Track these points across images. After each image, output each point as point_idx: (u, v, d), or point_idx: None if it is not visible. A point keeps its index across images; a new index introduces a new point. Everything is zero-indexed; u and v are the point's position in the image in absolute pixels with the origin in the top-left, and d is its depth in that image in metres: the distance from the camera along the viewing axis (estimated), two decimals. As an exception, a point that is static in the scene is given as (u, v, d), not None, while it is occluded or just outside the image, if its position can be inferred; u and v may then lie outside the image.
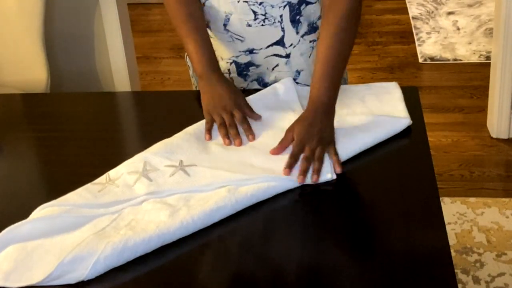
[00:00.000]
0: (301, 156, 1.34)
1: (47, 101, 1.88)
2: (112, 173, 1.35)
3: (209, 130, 1.46)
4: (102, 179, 1.34)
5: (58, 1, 2.97)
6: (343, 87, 1.64)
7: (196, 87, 1.81)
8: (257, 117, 1.49)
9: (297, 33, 1.63)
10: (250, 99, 1.56)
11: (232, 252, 1.19)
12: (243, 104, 1.51)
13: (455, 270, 2.22)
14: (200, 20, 1.60)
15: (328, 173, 1.32)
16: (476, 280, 2.31)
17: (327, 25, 1.48)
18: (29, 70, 2.67)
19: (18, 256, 1.16)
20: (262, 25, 1.60)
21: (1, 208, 1.34)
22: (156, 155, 1.38)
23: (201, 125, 1.49)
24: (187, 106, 1.74)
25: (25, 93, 2.20)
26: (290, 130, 1.40)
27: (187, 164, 1.35)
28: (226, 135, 1.44)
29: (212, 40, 1.66)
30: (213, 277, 1.13)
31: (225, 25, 1.62)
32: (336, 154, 1.36)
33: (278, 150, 1.38)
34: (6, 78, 2.71)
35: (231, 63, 1.68)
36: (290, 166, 1.32)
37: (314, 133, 1.37)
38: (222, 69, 1.69)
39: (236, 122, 1.46)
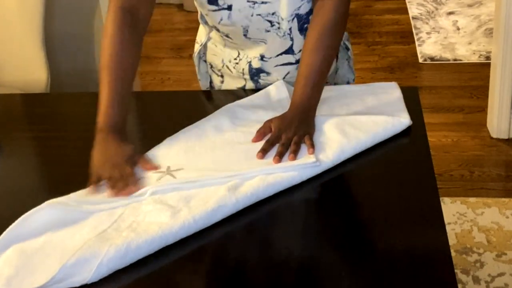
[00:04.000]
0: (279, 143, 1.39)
1: (47, 101, 1.88)
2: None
3: (92, 189, 1.31)
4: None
5: (58, 1, 2.97)
6: (343, 87, 1.64)
7: (207, 87, 1.82)
8: (152, 167, 1.36)
9: (305, 37, 1.63)
10: (243, 101, 1.57)
11: (233, 251, 1.19)
12: (134, 160, 1.36)
13: (455, 270, 2.22)
14: (125, 65, 1.47)
15: (312, 157, 1.33)
16: (476, 280, 2.31)
17: (313, 29, 1.52)
18: (29, 70, 2.67)
19: (19, 261, 1.15)
20: (277, 34, 1.61)
21: (1, 208, 1.34)
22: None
23: (187, 130, 1.49)
24: (187, 106, 1.74)
25: (25, 93, 2.20)
26: (269, 121, 1.44)
27: (174, 169, 1.36)
28: (113, 188, 1.30)
29: (235, 44, 1.67)
30: (215, 277, 1.13)
31: (245, 35, 1.62)
32: (311, 139, 1.39)
33: (256, 138, 1.42)
34: (6, 78, 2.71)
35: (247, 63, 1.69)
36: (264, 151, 1.37)
37: (292, 125, 1.41)
38: (239, 68, 1.70)
39: (125, 176, 1.31)
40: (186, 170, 1.35)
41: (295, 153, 1.36)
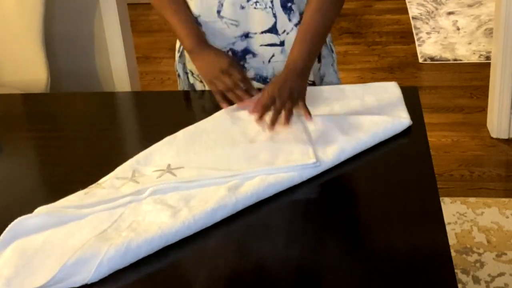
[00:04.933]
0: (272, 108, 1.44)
1: (47, 101, 1.88)
2: (101, 180, 1.35)
3: (222, 99, 1.54)
4: (91, 186, 1.34)
5: (58, 1, 2.97)
6: (342, 87, 1.64)
7: (183, 88, 1.82)
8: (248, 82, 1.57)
9: (290, 20, 1.64)
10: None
11: (233, 252, 1.19)
12: (237, 64, 1.60)
13: (455, 270, 2.22)
14: (182, 2, 1.66)
15: (312, 158, 1.34)
16: (476, 280, 2.31)
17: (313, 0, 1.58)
18: (29, 70, 2.67)
19: (19, 261, 1.15)
20: (255, 8, 1.62)
21: (1, 208, 1.34)
22: (145, 164, 1.38)
23: (187, 129, 1.49)
24: (187, 106, 1.74)
25: (25, 93, 2.20)
26: (264, 89, 1.49)
27: (174, 167, 1.36)
28: (238, 98, 1.53)
29: (205, 31, 1.67)
30: (215, 277, 1.13)
31: (218, 12, 1.63)
32: (305, 106, 1.45)
33: (253, 108, 1.45)
34: (6, 78, 2.71)
35: (228, 51, 1.68)
36: (258, 114, 1.42)
37: (285, 89, 1.45)
38: None
39: (238, 82, 1.54)
40: (186, 168, 1.35)
41: (288, 119, 1.41)
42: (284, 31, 1.65)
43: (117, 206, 1.26)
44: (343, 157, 1.37)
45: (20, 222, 1.21)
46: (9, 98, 1.91)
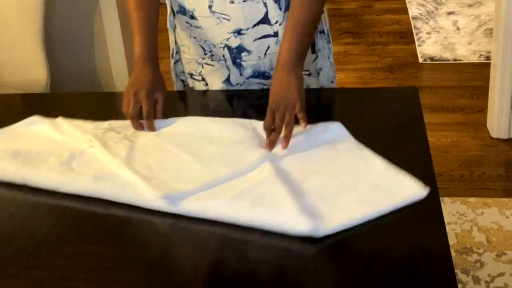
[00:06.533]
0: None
1: (47, 101, 1.88)
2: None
3: (132, 117, 1.53)
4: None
5: (58, 1, 2.97)
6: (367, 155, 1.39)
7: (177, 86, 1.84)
8: (152, 117, 1.54)
9: (280, 9, 1.63)
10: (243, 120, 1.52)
11: (232, 252, 1.19)
12: (158, 95, 1.59)
13: (455, 270, 2.22)
14: (150, 10, 1.69)
15: (301, 224, 1.16)
16: (476, 280, 2.31)
17: None
18: (29, 70, 2.68)
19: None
20: (244, 0, 1.60)
21: (1, 208, 1.34)
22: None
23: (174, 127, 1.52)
24: (186, 106, 1.74)
25: (25, 93, 2.20)
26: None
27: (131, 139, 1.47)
28: (132, 116, 1.54)
29: (200, 30, 1.67)
30: (212, 279, 1.13)
31: (210, 6, 1.62)
32: (302, 111, 1.42)
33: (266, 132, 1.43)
34: (6, 78, 2.71)
35: (223, 48, 1.68)
36: (268, 139, 1.40)
37: (281, 96, 1.45)
38: (218, 56, 1.69)
39: (143, 114, 1.53)
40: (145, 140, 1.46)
41: (288, 139, 1.37)
42: (277, 21, 1.64)
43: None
44: (346, 227, 1.19)
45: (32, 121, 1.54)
46: (9, 98, 1.91)
